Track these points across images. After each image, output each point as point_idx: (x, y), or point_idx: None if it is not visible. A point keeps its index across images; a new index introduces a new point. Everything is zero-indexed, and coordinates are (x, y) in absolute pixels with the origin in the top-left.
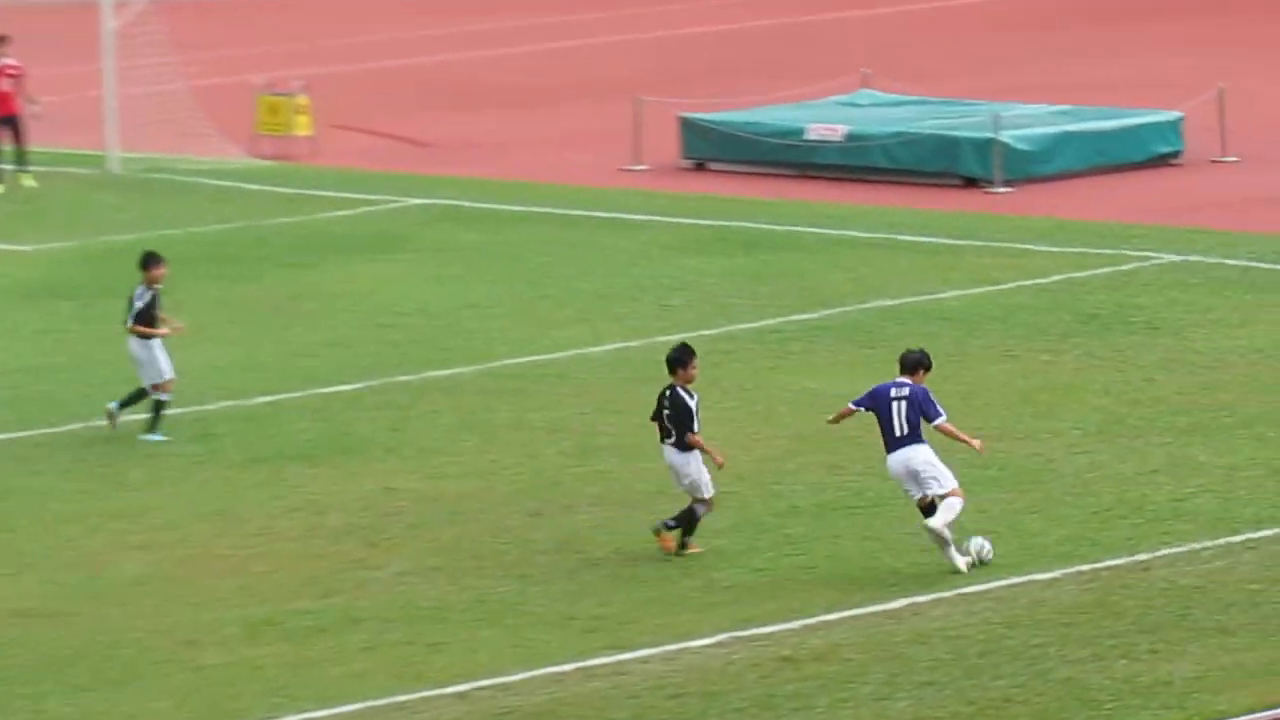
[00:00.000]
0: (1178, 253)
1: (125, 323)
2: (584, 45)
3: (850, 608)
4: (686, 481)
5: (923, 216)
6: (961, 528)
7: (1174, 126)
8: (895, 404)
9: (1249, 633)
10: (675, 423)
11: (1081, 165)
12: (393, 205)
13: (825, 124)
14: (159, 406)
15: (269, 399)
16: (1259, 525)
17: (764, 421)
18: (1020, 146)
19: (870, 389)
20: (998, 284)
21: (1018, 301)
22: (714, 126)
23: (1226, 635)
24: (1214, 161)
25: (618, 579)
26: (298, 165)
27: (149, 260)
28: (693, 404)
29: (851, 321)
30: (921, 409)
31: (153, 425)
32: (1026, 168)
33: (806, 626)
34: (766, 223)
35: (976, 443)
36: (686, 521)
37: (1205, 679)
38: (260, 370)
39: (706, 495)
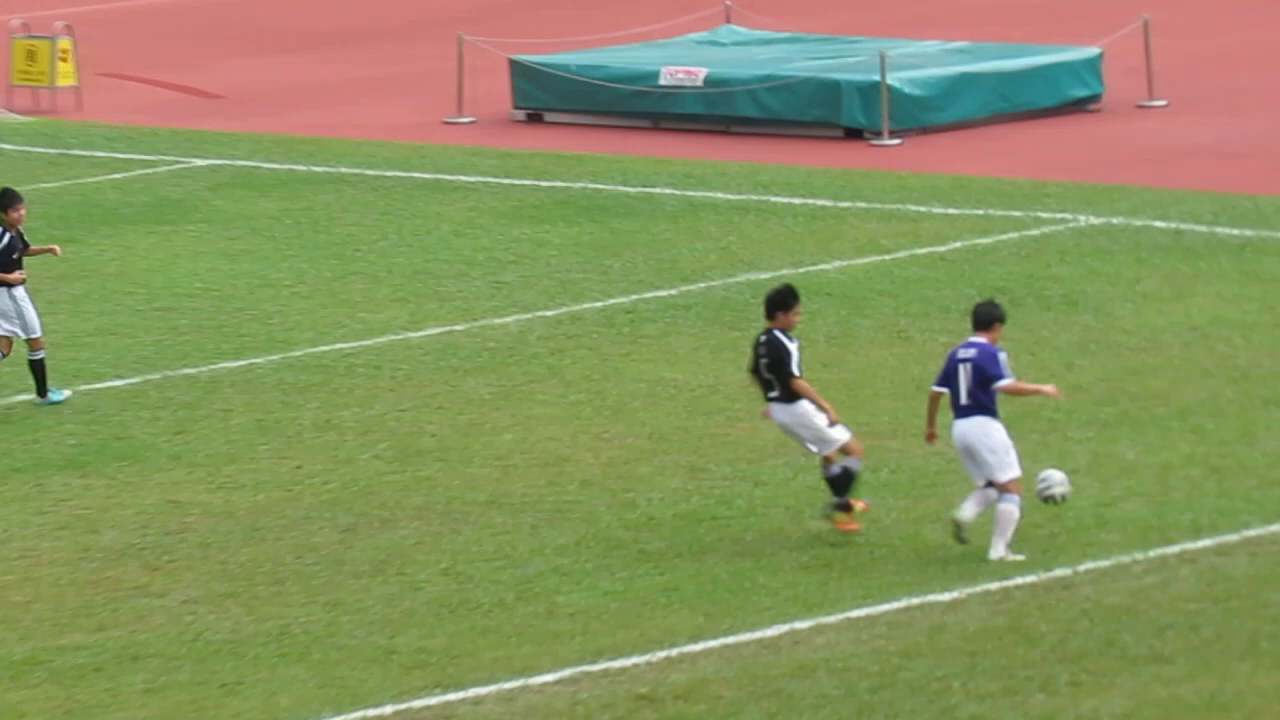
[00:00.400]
0: (1098, 214)
1: None
2: None
3: (720, 636)
4: (809, 437)
5: (798, 174)
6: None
7: (1091, 65)
8: (962, 366)
9: (1187, 660)
10: (775, 371)
11: (983, 113)
12: (174, 167)
13: (682, 66)
14: (40, 367)
15: (28, 398)
16: (1197, 534)
17: (615, 418)
18: (911, 91)
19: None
20: (888, 253)
21: (912, 274)
22: (551, 71)
23: (1161, 663)
24: (1139, 107)
25: (445, 605)
26: (60, 121)
27: (6, 198)
28: (793, 347)
29: (717, 299)
30: (985, 372)
31: (43, 389)
32: (919, 116)
33: (668, 659)
34: (615, 184)
35: (1049, 388)
36: (842, 485)
37: (1137, 715)
38: (17, 363)
39: (842, 440)
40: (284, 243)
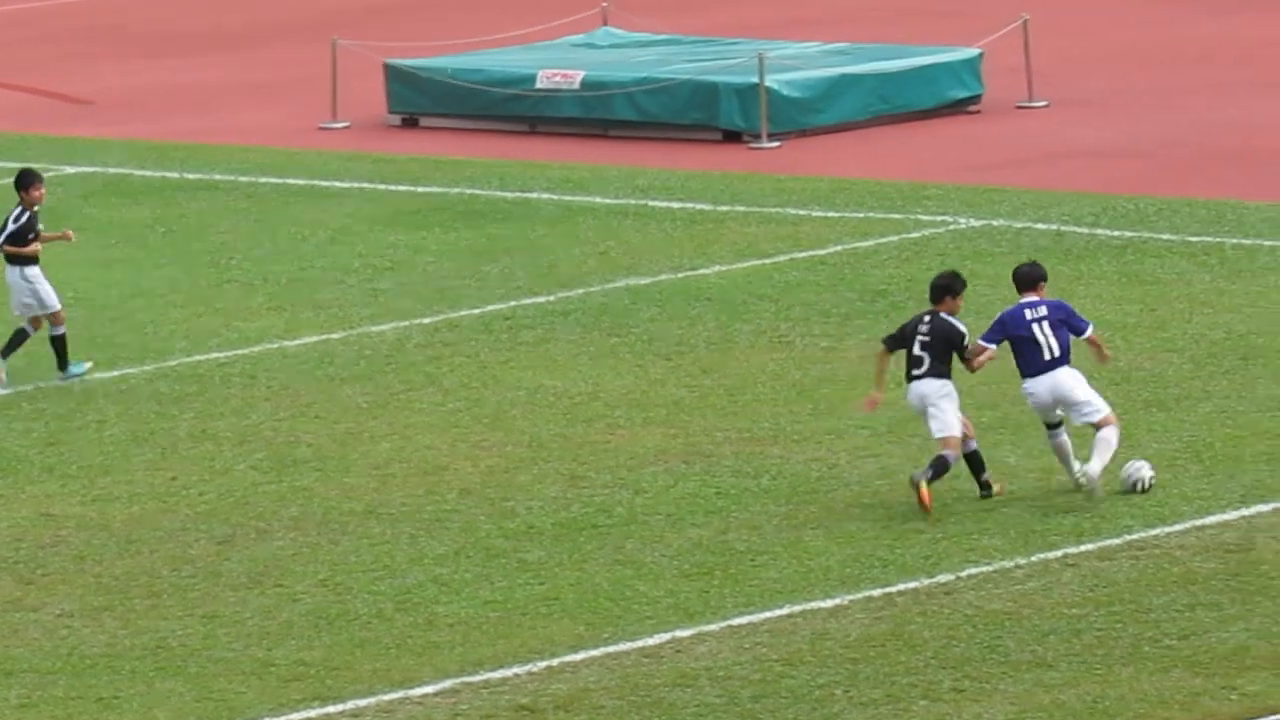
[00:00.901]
0: (979, 216)
1: None
2: None
3: (600, 645)
4: (941, 417)
5: (677, 178)
6: (723, 550)
7: (971, 66)
8: (1036, 325)
9: (1070, 665)
10: (939, 351)
11: (862, 114)
12: (45, 175)
13: (559, 70)
14: (60, 342)
15: None
16: (1079, 538)
17: (493, 426)
18: (790, 93)
19: (997, 319)
20: (767, 257)
21: (791, 278)
22: (427, 74)
23: (1044, 668)
24: (1019, 107)
25: (323, 617)
26: None
27: (25, 179)
28: (964, 329)
29: (596, 305)
30: (1069, 323)
31: (64, 362)
32: (798, 118)
33: (549, 669)
34: (492, 189)
35: (1109, 352)
36: (943, 471)
37: None
38: None
39: (956, 433)
40: (157, 251)
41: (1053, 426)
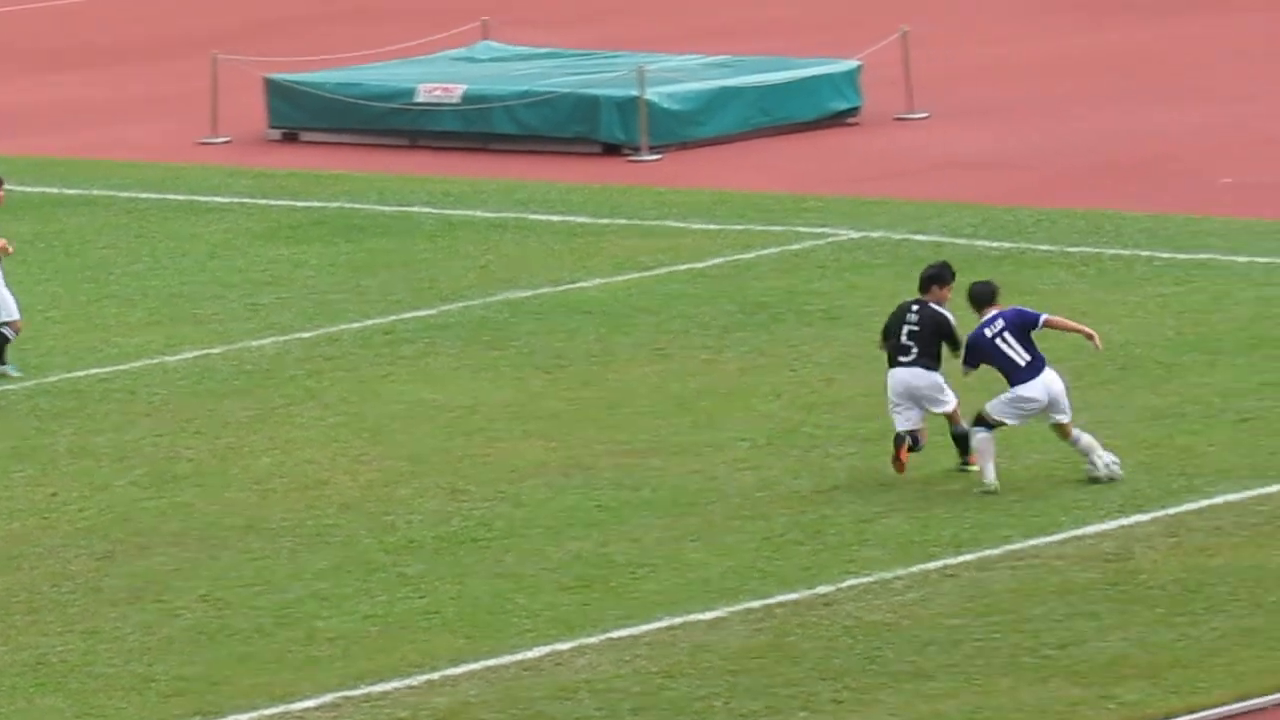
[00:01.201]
0: (858, 228)
1: None
2: None
3: (481, 658)
4: (935, 397)
5: (557, 191)
6: (609, 560)
7: (850, 78)
8: (1000, 340)
9: (949, 676)
10: (924, 340)
11: (742, 127)
12: None
13: (439, 84)
14: (3, 340)
15: None
16: (958, 549)
17: (373, 440)
18: (670, 106)
19: (967, 345)
20: (647, 269)
21: (671, 290)
22: (306, 89)
23: (923, 679)
24: (898, 119)
25: (204, 632)
26: None
27: None
28: (953, 318)
29: (476, 318)
30: (1023, 324)
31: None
32: (678, 131)
33: (429, 683)
34: (372, 203)
35: (1077, 323)
36: (965, 442)
37: None
38: None
39: (952, 406)
40: (36, 267)
41: (990, 427)
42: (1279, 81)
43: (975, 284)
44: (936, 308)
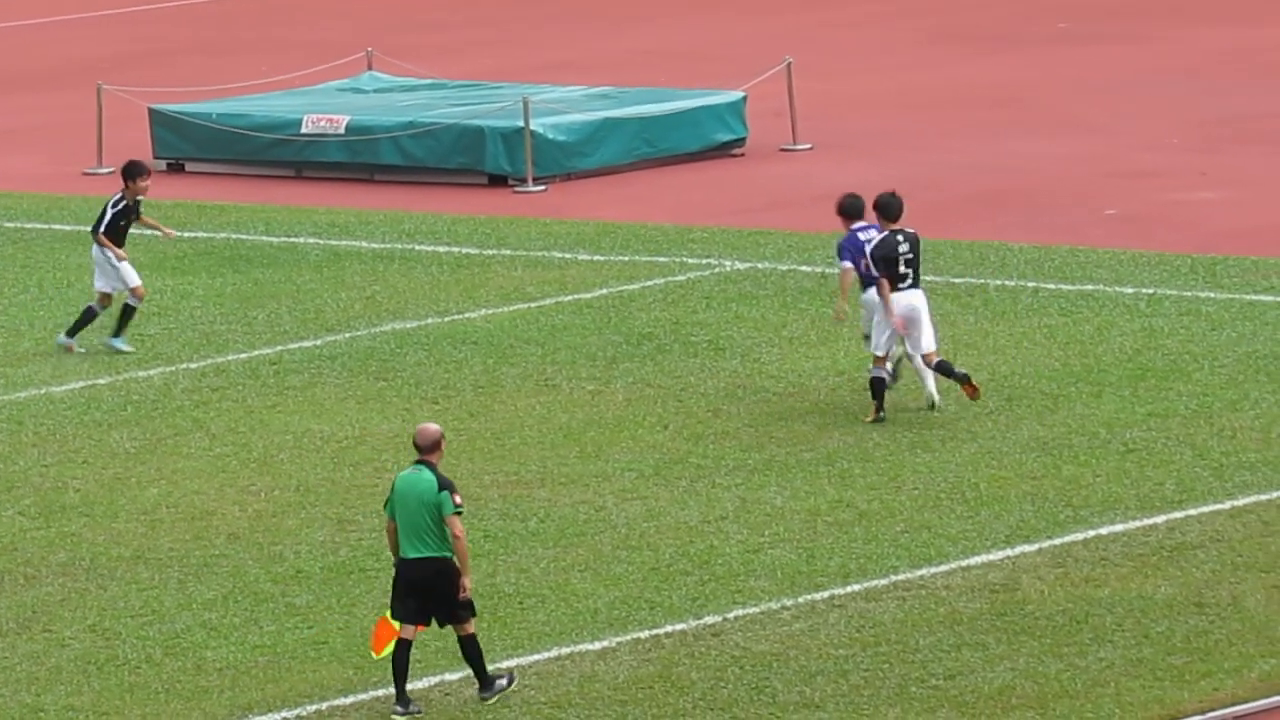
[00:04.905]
0: (744, 259)
1: (91, 230)
2: (29, 25)
3: (369, 689)
4: (929, 324)
5: (443, 222)
6: (498, 589)
7: (735, 109)
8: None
9: (837, 706)
10: (916, 263)
11: (627, 158)
12: None
13: (324, 114)
14: (129, 312)
15: None
16: (845, 580)
17: (261, 471)
18: (555, 137)
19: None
20: (533, 300)
21: (557, 321)
22: (191, 120)
23: (812, 709)
24: (783, 150)
25: (92, 662)
26: None
27: (133, 169)
28: None
29: (362, 349)
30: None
31: (120, 328)
32: (563, 162)
33: (318, 713)
34: (258, 234)
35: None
36: (949, 372)
37: None
38: None
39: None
40: None
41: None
42: (1153, 113)
43: (848, 197)
44: (913, 232)
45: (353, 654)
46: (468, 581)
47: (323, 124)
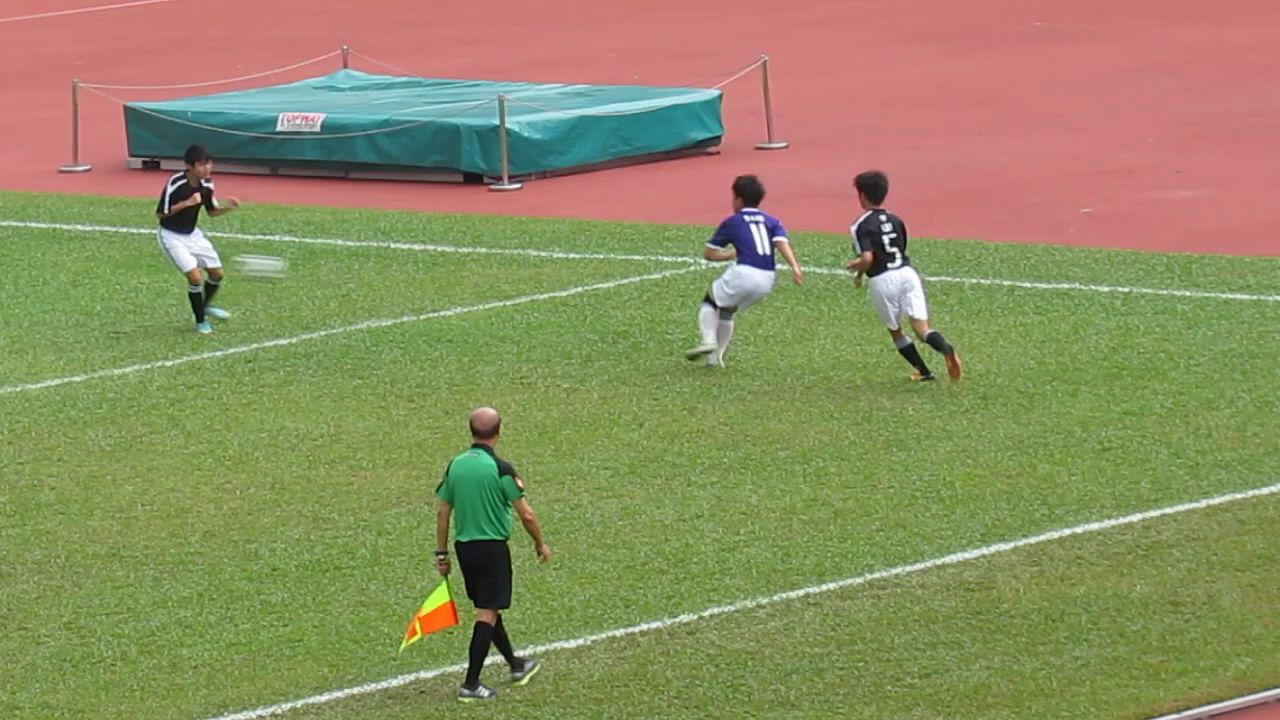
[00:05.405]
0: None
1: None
2: (4, 23)
3: (344, 687)
4: (924, 295)
5: (419, 220)
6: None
7: (711, 107)
8: (753, 225)
9: (813, 704)
10: (901, 242)
11: (603, 156)
12: None
13: (300, 112)
14: (194, 299)
15: None
16: (820, 578)
17: (236, 469)
18: (530, 135)
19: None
20: (509, 299)
21: (533, 319)
22: (167, 118)
23: (787, 708)
24: (759, 148)
25: (67, 660)
26: None
27: (193, 154)
28: None
29: (338, 347)
30: (773, 227)
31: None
32: (538, 160)
33: (293, 710)
34: (234, 231)
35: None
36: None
37: None
38: None
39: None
40: None
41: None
42: (1126, 111)
43: (743, 179)
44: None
45: (328, 651)
46: (547, 550)
47: (298, 121)
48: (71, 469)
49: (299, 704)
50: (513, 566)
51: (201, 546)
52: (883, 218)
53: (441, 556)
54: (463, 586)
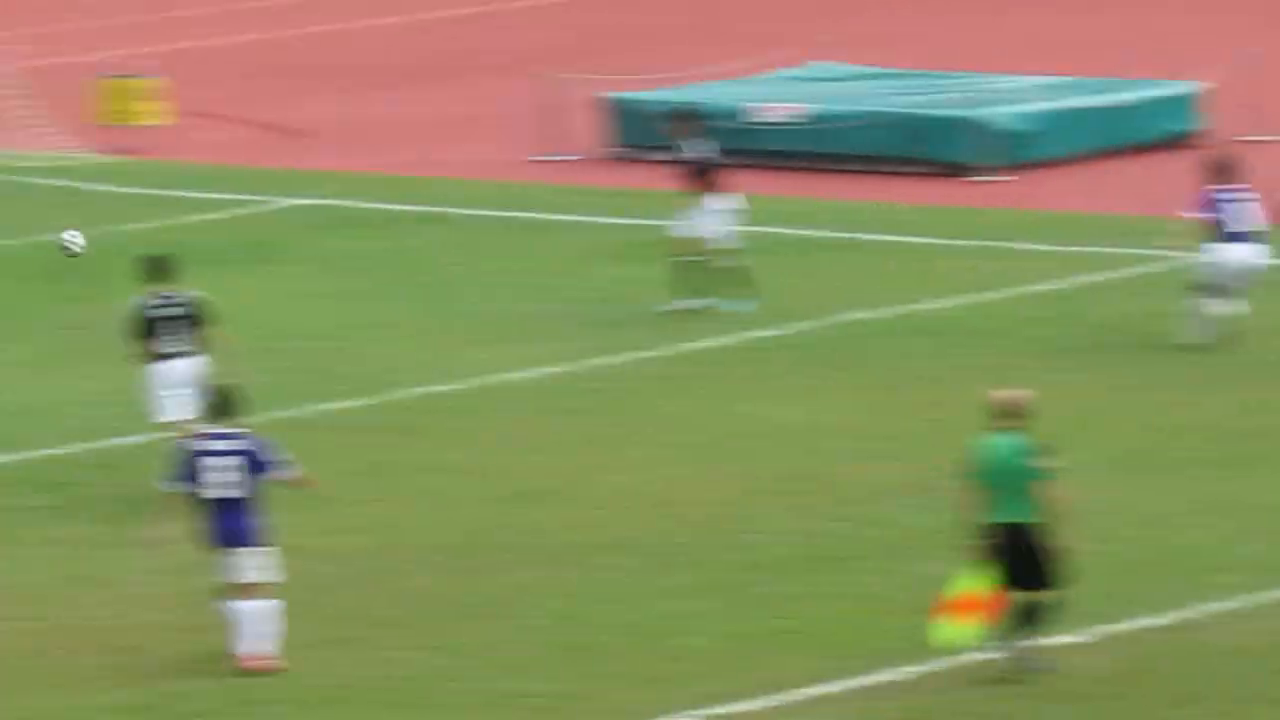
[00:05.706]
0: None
1: None
2: (480, 12)
3: (839, 678)
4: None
5: (899, 212)
6: None
7: (1187, 101)
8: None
9: None
10: None
11: (1080, 149)
12: (267, 207)
13: (783, 103)
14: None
15: (130, 440)
16: None
17: (726, 459)
18: (1010, 127)
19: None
20: (991, 290)
21: (1020, 313)
22: (642, 107)
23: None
24: (1240, 141)
25: (566, 649)
26: (151, 161)
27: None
28: None
29: (823, 338)
30: None
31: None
32: (1015, 152)
33: (789, 704)
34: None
35: None
36: None
37: None
38: (116, 405)
39: None
40: (384, 284)
41: None
42: None
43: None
44: None
45: (822, 643)
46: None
47: (781, 113)
48: (564, 458)
49: (799, 695)
50: (1055, 548)
51: (692, 537)
52: None
53: (979, 541)
54: (995, 570)
